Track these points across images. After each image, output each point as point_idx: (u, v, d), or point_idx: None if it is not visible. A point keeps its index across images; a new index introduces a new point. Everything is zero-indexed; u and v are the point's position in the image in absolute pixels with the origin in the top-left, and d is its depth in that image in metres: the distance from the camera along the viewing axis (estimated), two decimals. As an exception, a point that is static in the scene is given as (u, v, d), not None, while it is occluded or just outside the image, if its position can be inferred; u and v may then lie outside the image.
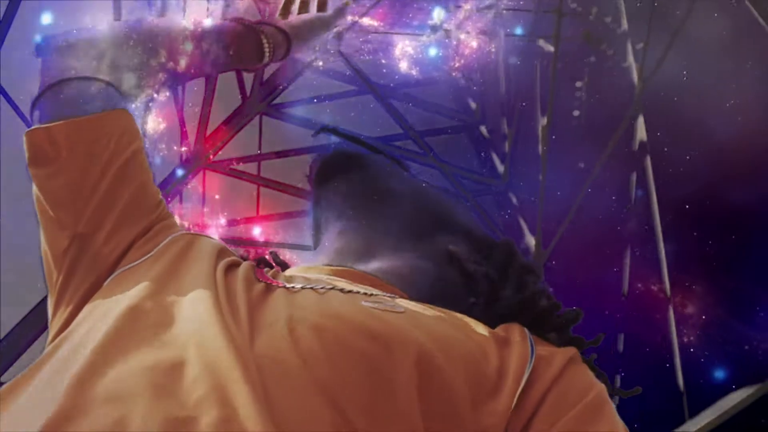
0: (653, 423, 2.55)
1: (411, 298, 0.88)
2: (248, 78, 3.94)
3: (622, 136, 2.91)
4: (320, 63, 3.67)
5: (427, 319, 0.80)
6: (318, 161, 1.02)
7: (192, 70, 1.04)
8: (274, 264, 1.01)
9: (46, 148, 0.90)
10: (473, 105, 3.97)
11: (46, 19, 3.70)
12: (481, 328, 0.80)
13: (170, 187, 3.82)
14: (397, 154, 1.17)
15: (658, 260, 2.78)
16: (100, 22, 1.01)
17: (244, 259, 0.94)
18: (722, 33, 2.97)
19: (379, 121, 3.59)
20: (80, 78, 0.94)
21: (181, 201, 4.05)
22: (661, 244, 2.70)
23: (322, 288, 0.82)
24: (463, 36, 3.35)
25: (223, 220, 4.23)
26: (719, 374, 2.62)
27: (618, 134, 2.81)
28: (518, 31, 3.57)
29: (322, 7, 1.17)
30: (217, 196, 4.17)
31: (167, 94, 3.70)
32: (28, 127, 0.94)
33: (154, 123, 3.76)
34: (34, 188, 0.92)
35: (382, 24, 3.65)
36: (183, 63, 1.01)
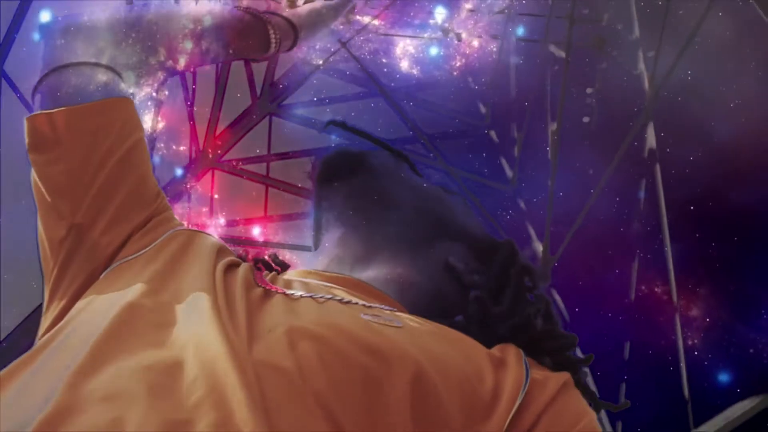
0: (658, 428, 2.54)
1: (408, 312, 0.88)
2: (258, 79, 3.93)
3: (630, 141, 2.90)
4: (320, 61, 3.66)
5: (425, 336, 0.79)
6: (321, 160, 1.01)
7: (197, 58, 1.03)
8: (273, 265, 1.00)
9: (47, 134, 0.89)
10: (483, 109, 3.95)
11: (45, 17, 3.69)
12: (477, 348, 0.80)
13: (179, 186, 3.80)
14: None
15: (665, 265, 2.77)
16: (108, 7, 0.99)
17: (243, 260, 0.93)
18: (726, 33, 2.95)
19: (379, 121, 3.57)
20: (83, 63, 0.93)
21: (189, 200, 4.04)
22: (669, 251, 2.68)
23: (321, 297, 0.81)
24: (472, 39, 3.34)
25: (222, 220, 4.22)
26: (723, 378, 2.61)
27: (628, 141, 2.80)
28: (520, 31, 3.56)
29: None
30: (216, 196, 4.16)
31: (165, 92, 3.69)
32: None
33: (154, 122, 3.75)
34: (33, 174, 0.90)
35: (383, 23, 3.64)
36: (189, 50, 1.00)
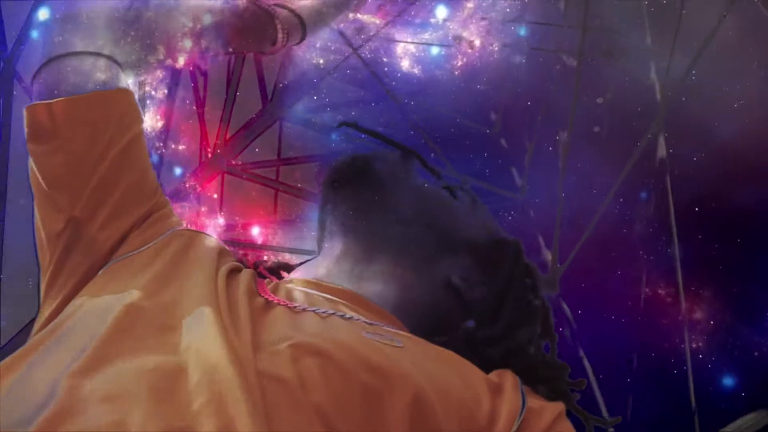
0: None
1: (407, 329, 0.88)
2: (269, 83, 3.91)
3: (637, 148, 2.90)
4: (321, 61, 3.65)
5: (426, 358, 0.80)
6: (329, 167, 1.01)
7: (197, 55, 1.02)
8: (273, 272, 1.00)
9: (46, 125, 0.88)
10: (493, 116, 3.94)
11: (43, 14, 3.68)
12: (475, 372, 0.81)
13: (185, 188, 3.80)
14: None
15: (671, 268, 2.76)
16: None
17: (243, 264, 0.93)
18: (729, 33, 2.94)
19: (380, 121, 3.56)
20: (83, 53, 0.92)
21: (198, 202, 4.03)
22: (677, 255, 2.67)
23: (324, 312, 0.81)
24: (477, 43, 3.32)
25: (221, 220, 4.20)
26: (728, 381, 2.59)
27: (639, 151, 2.80)
28: (522, 32, 3.55)
29: None
30: (215, 195, 4.15)
31: (165, 91, 3.67)
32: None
33: (152, 121, 3.73)
34: (31, 164, 0.90)
35: (383, 21, 3.62)
36: (194, 42, 0.98)
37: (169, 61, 0.97)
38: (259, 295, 0.86)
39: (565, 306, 2.60)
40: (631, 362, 2.66)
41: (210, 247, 0.91)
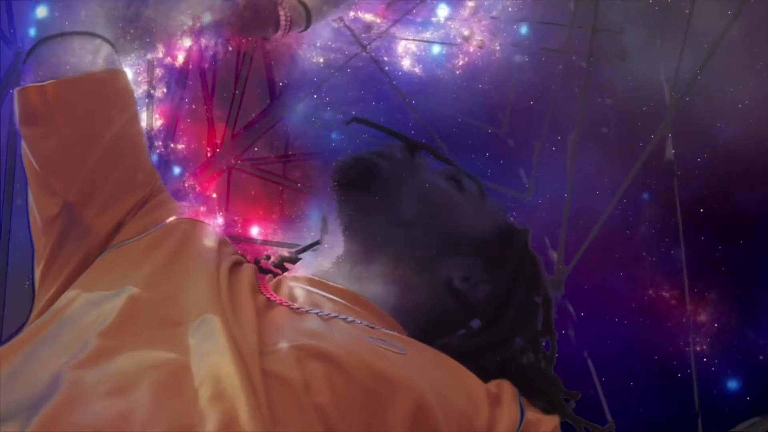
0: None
1: (406, 332, 0.90)
2: (258, 78, 3.91)
3: (642, 149, 2.89)
4: (321, 59, 3.63)
5: (428, 365, 0.81)
6: (335, 165, 1.01)
7: (201, 31, 1.00)
8: (277, 266, 1.00)
9: (38, 107, 0.86)
10: (499, 115, 3.93)
11: (42, 12, 3.66)
12: (475, 382, 0.83)
13: (187, 188, 3.78)
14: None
15: (675, 270, 2.75)
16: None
17: (244, 258, 0.92)
18: (732, 33, 2.94)
19: (381, 120, 3.54)
20: (75, 33, 0.90)
21: (198, 201, 4.01)
22: (684, 257, 2.66)
23: (326, 315, 0.83)
24: (484, 42, 3.31)
25: (220, 219, 4.18)
26: (732, 385, 2.58)
27: (647, 152, 2.79)
28: (523, 30, 3.54)
29: None
30: (214, 195, 4.13)
31: (164, 89, 3.65)
32: None
33: (152, 120, 3.71)
34: (24, 147, 0.88)
35: (384, 20, 3.61)
36: (194, 22, 0.96)
37: (164, 55, 0.95)
38: (261, 292, 0.86)
39: (569, 307, 2.59)
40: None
41: (209, 238, 0.90)
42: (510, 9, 3.43)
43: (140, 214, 0.92)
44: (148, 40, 0.97)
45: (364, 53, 3.80)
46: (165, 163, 3.99)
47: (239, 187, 4.45)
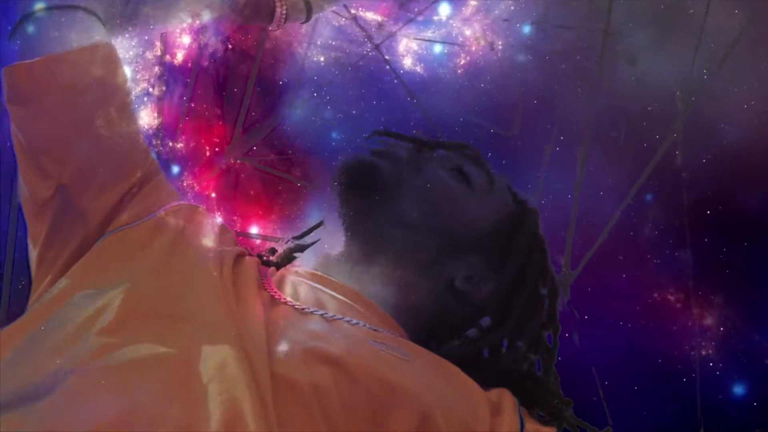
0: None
1: (408, 335, 0.91)
2: (271, 82, 3.89)
3: (646, 153, 2.88)
4: (321, 58, 3.61)
5: (430, 372, 0.81)
6: (339, 166, 0.98)
7: (198, 16, 0.97)
8: (283, 259, 0.99)
9: (25, 86, 0.83)
10: (506, 116, 3.91)
11: (40, 8, 3.63)
12: (476, 390, 0.84)
13: (185, 187, 3.77)
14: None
15: (678, 272, 2.74)
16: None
17: (246, 251, 0.91)
18: (738, 34, 2.92)
19: (381, 120, 3.52)
20: (58, 7, 0.86)
21: (212, 202, 4.01)
22: (690, 259, 2.65)
23: (331, 316, 0.83)
24: (486, 42, 3.29)
25: (219, 219, 4.16)
26: (738, 390, 2.56)
27: (658, 157, 2.78)
28: (526, 30, 3.52)
29: None
30: (213, 194, 4.11)
31: (163, 88, 3.63)
32: None
33: (149, 118, 3.69)
34: (13, 128, 0.85)
35: (385, 19, 3.59)
36: (187, 45, 0.92)
37: (163, 53, 0.91)
38: (265, 289, 0.85)
39: (574, 310, 2.57)
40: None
41: (209, 225, 0.89)
42: (512, 8, 3.42)
43: (137, 198, 0.90)
44: (147, 38, 0.94)
45: (363, 52, 3.79)
46: (164, 162, 3.98)
47: (239, 186, 4.44)
